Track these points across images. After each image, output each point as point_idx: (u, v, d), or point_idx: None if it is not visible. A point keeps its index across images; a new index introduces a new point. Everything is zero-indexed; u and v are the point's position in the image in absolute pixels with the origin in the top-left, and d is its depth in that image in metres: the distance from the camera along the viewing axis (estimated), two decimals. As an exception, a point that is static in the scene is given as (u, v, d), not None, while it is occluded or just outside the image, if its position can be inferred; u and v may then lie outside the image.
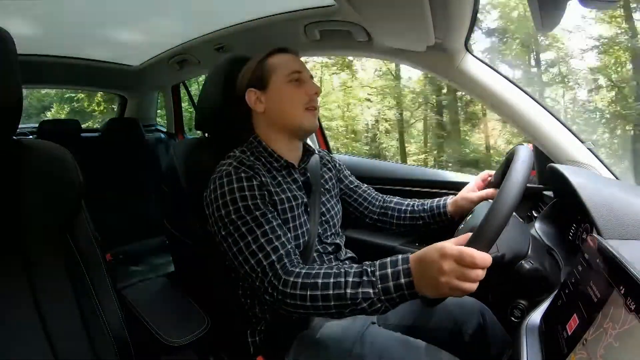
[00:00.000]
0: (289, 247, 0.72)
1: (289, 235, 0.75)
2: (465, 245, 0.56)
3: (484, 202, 0.82)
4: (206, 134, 1.03)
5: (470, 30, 0.92)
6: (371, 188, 1.06)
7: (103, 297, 0.68)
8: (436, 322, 0.84)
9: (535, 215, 0.94)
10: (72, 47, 1.70)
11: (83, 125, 2.11)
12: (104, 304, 0.67)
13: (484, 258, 0.53)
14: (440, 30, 0.88)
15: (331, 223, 0.91)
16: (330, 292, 0.62)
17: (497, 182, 0.87)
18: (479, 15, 0.87)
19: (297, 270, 0.67)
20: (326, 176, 0.97)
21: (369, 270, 0.62)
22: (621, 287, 0.40)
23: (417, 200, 1.01)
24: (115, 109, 2.41)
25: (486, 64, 1.00)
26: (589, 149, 0.94)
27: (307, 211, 0.86)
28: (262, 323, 0.82)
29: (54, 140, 0.68)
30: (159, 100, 2.42)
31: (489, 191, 0.89)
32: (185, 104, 2.61)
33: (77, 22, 1.37)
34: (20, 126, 0.64)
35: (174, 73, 1.83)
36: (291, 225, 0.81)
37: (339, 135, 8.75)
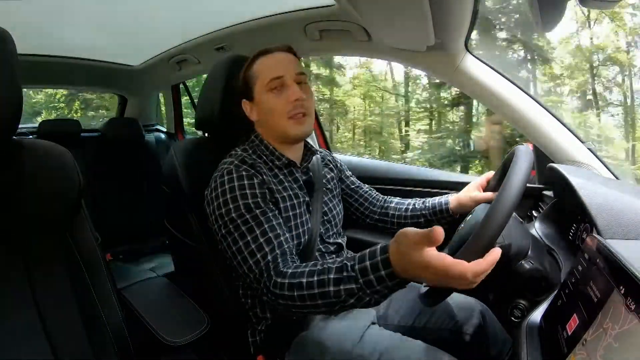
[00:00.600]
0: (286, 246, 0.72)
1: (287, 235, 0.75)
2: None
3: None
4: (206, 134, 1.03)
5: (470, 30, 0.92)
6: (372, 189, 1.06)
7: (103, 297, 0.68)
8: (436, 322, 0.84)
9: (535, 215, 0.94)
10: (72, 47, 1.70)
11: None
12: (104, 304, 0.67)
13: (476, 270, 0.49)
14: (440, 30, 0.88)
15: (333, 223, 0.91)
16: (315, 290, 0.61)
17: (495, 184, 0.87)
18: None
19: (285, 270, 0.67)
20: (328, 176, 0.97)
21: (349, 265, 0.59)
22: (621, 287, 0.40)
23: (418, 199, 1.01)
24: (92, 115, 2.42)
25: (486, 64, 1.00)
26: (589, 149, 0.94)
27: (309, 210, 0.86)
28: (263, 323, 0.82)
29: (54, 140, 0.68)
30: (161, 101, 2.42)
31: (490, 194, 0.88)
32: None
33: (77, 22, 1.37)
34: (20, 126, 0.64)
35: (174, 73, 1.83)
36: (292, 223, 0.81)
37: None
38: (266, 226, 0.72)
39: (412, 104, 8.96)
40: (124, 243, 1.84)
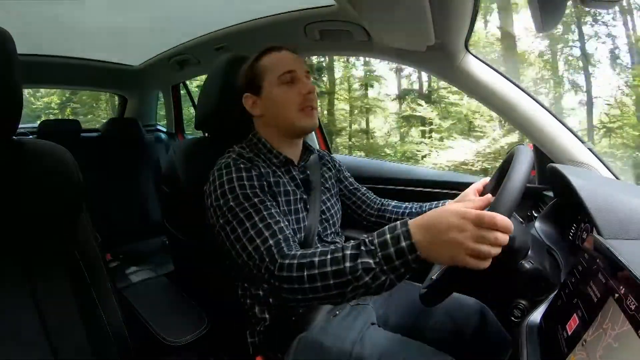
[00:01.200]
0: (287, 232, 0.71)
1: (287, 223, 0.74)
2: None
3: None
4: (206, 134, 1.04)
5: (471, 30, 0.92)
6: (370, 191, 1.06)
7: (103, 297, 0.68)
8: (436, 323, 0.84)
9: (535, 215, 0.94)
10: (72, 47, 1.70)
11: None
12: (104, 304, 0.67)
13: (505, 220, 0.50)
14: (440, 30, 0.88)
15: (331, 222, 0.91)
16: (328, 269, 0.58)
17: (494, 186, 0.86)
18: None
19: (293, 252, 0.65)
20: (326, 175, 0.97)
21: (367, 240, 0.58)
22: (621, 287, 0.40)
23: (415, 203, 1.01)
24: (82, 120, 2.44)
25: (486, 63, 1.00)
26: (589, 149, 0.94)
27: (306, 208, 0.86)
28: (262, 323, 0.82)
29: (54, 140, 0.68)
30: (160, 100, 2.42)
31: (489, 197, 0.87)
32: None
33: (77, 22, 1.37)
34: (20, 126, 0.64)
35: (174, 73, 1.83)
36: (289, 218, 0.81)
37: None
38: (265, 213, 0.71)
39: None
40: (124, 243, 1.84)
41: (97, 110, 8.45)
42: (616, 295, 0.40)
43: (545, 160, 0.95)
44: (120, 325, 0.69)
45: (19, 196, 0.61)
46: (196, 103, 1.06)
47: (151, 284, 1.31)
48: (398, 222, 0.57)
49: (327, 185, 0.95)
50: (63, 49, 1.70)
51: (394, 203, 1.03)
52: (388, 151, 7.71)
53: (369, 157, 6.37)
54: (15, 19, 1.26)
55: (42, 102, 8.04)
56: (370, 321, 0.82)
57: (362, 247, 0.58)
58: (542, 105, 0.98)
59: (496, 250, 0.51)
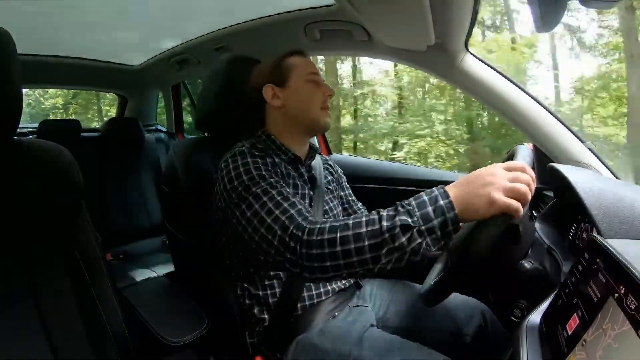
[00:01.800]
0: (304, 206, 0.69)
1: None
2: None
3: None
4: (206, 134, 1.04)
5: (471, 30, 0.92)
6: (365, 207, 1.06)
7: (103, 296, 0.68)
8: (437, 324, 0.84)
9: (535, 215, 0.94)
10: (72, 47, 1.70)
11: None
12: (104, 304, 0.67)
13: (531, 171, 0.56)
14: (440, 30, 0.88)
15: None
16: (363, 229, 0.56)
17: None
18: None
19: (322, 219, 0.63)
20: (329, 178, 0.98)
21: (403, 202, 0.57)
22: (621, 287, 0.40)
23: None
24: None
25: (486, 63, 1.00)
26: (589, 148, 0.94)
27: (311, 205, 0.86)
28: (260, 324, 0.82)
29: (54, 140, 0.68)
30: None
31: None
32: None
33: (77, 22, 1.37)
34: (20, 126, 0.64)
35: (174, 73, 1.83)
36: None
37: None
38: (282, 189, 0.71)
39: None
40: (124, 243, 1.84)
41: (90, 111, 8.79)
42: (616, 295, 0.40)
43: (545, 160, 0.95)
44: (120, 325, 0.69)
45: (19, 196, 0.61)
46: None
47: (151, 284, 1.31)
48: (435, 187, 0.58)
49: (330, 187, 0.96)
50: (63, 49, 1.70)
51: None
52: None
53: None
54: (15, 19, 1.26)
55: (49, 103, 8.58)
56: (369, 323, 0.82)
57: (400, 208, 0.57)
58: (542, 105, 0.98)
59: (530, 194, 0.54)
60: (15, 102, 0.60)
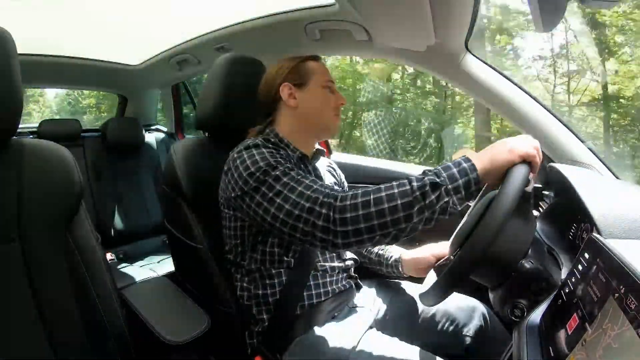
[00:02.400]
0: (324, 183, 0.70)
1: None
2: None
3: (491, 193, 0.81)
4: (206, 134, 1.04)
5: (471, 30, 0.92)
6: None
7: (103, 296, 0.68)
8: (436, 324, 0.84)
9: (536, 215, 0.94)
10: (72, 47, 1.70)
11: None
12: (105, 304, 0.67)
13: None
14: (441, 30, 0.88)
15: None
16: (395, 190, 0.60)
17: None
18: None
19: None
20: (332, 180, 0.99)
21: (428, 169, 0.63)
22: (621, 287, 0.40)
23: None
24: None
25: (486, 63, 1.00)
26: (589, 148, 0.94)
27: None
28: (259, 325, 0.82)
29: (54, 140, 0.68)
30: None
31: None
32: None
33: (77, 22, 1.37)
34: (20, 126, 0.64)
35: (174, 73, 1.83)
36: None
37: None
38: (299, 171, 0.71)
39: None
40: (124, 243, 1.84)
41: (114, 109, 9.34)
42: (616, 295, 0.40)
43: (545, 160, 0.95)
44: (120, 324, 0.69)
45: (19, 195, 0.61)
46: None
47: (151, 284, 1.31)
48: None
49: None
50: (63, 49, 1.70)
51: None
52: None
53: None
54: (15, 19, 1.26)
55: (86, 102, 9.35)
56: (368, 324, 0.82)
57: (427, 172, 0.62)
58: (542, 105, 0.98)
59: (538, 161, 0.62)
60: (15, 102, 0.60)
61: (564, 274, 0.65)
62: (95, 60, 1.85)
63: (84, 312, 0.64)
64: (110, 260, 1.73)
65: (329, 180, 0.97)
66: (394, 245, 0.98)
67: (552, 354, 0.48)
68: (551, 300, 0.57)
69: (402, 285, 0.97)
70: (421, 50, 1.00)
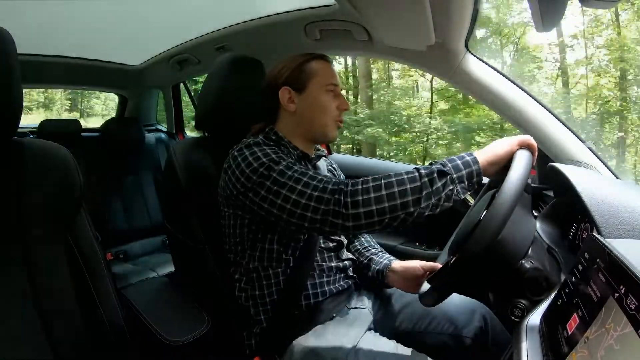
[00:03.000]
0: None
1: None
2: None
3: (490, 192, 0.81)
4: (206, 134, 1.04)
5: (471, 30, 0.92)
6: None
7: (103, 296, 0.68)
8: (436, 327, 0.84)
9: (536, 215, 0.94)
10: (72, 47, 1.70)
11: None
12: (105, 304, 0.67)
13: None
14: (441, 30, 0.88)
15: None
16: (404, 176, 0.63)
17: (496, 181, 0.87)
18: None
19: None
20: (333, 180, 0.98)
21: (436, 160, 0.66)
22: (621, 287, 0.40)
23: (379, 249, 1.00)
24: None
25: (487, 63, 1.00)
26: (589, 148, 0.94)
27: None
28: (257, 326, 0.82)
29: (54, 140, 0.68)
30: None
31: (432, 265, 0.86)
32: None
33: (77, 21, 1.37)
34: (20, 126, 0.64)
35: (174, 73, 1.83)
36: None
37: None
38: (302, 166, 0.73)
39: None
40: (124, 243, 1.84)
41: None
42: (616, 295, 0.40)
43: (545, 160, 0.95)
44: (120, 324, 0.69)
45: (20, 196, 0.61)
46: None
47: (151, 284, 1.31)
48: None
49: None
50: (63, 49, 1.70)
51: (365, 238, 1.03)
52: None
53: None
54: (15, 19, 1.26)
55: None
56: (366, 326, 0.81)
57: (433, 162, 0.66)
58: (542, 105, 0.98)
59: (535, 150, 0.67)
60: (15, 102, 0.60)
61: (564, 273, 0.65)
62: (95, 60, 1.85)
63: (84, 312, 0.64)
64: (110, 260, 1.73)
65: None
66: (387, 254, 0.97)
67: (552, 354, 0.48)
68: (551, 300, 0.57)
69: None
70: (421, 50, 1.00)
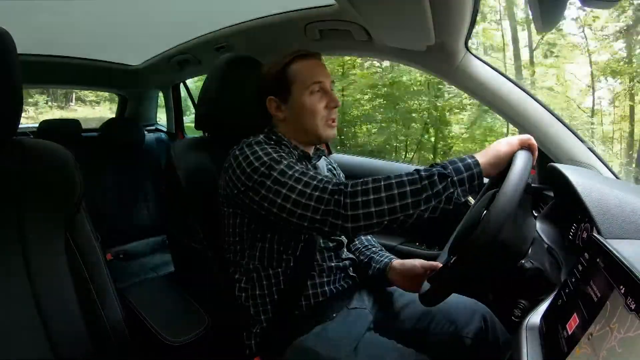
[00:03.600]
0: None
1: None
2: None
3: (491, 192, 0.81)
4: (206, 134, 1.04)
5: (471, 30, 0.92)
6: None
7: (103, 296, 0.68)
8: (437, 326, 0.84)
9: (536, 215, 0.94)
10: (72, 47, 1.70)
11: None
12: (105, 304, 0.67)
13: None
14: (441, 30, 0.88)
15: None
16: (405, 178, 0.63)
17: (496, 181, 0.87)
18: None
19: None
20: (333, 180, 0.98)
21: (437, 162, 0.66)
22: (621, 287, 0.40)
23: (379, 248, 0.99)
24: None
25: (487, 63, 1.00)
26: (589, 148, 0.94)
27: None
28: (258, 326, 0.82)
29: (54, 140, 0.68)
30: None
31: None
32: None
33: (77, 22, 1.37)
34: (20, 126, 0.64)
35: (174, 73, 1.83)
36: None
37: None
38: (303, 166, 0.72)
39: None
40: (124, 243, 1.84)
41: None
42: (617, 294, 0.40)
43: (545, 160, 0.95)
44: (120, 324, 0.69)
45: (20, 196, 0.61)
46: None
47: (151, 284, 1.31)
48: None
49: None
50: (63, 49, 1.70)
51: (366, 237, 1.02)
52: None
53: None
54: (15, 19, 1.26)
55: None
56: (366, 326, 0.81)
57: (434, 164, 0.65)
58: (543, 105, 0.98)
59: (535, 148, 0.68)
60: (15, 102, 0.60)
61: (564, 273, 0.65)
62: (95, 60, 1.85)
63: (84, 312, 0.64)
64: (110, 260, 1.73)
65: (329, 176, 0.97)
66: (387, 253, 0.97)
67: (552, 354, 0.48)
68: (551, 300, 0.57)
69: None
70: (421, 50, 1.00)
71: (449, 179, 0.62)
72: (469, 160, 0.64)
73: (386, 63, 5.23)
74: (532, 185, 1.01)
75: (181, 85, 2.25)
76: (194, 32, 1.47)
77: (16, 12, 1.20)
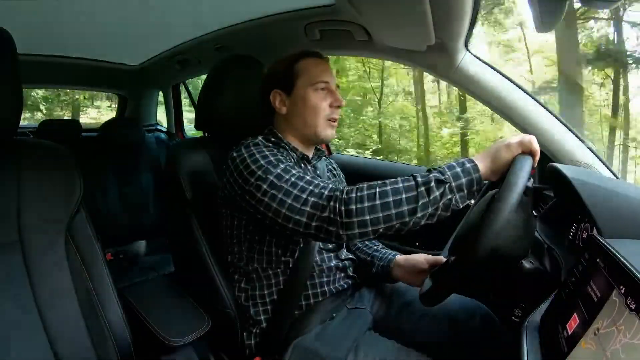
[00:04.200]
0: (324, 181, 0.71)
1: None
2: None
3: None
4: (206, 134, 1.04)
5: (471, 30, 0.92)
6: None
7: (104, 296, 0.68)
8: (436, 326, 0.84)
9: (536, 215, 0.94)
10: (72, 47, 1.70)
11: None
12: (105, 304, 0.67)
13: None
14: (441, 30, 0.87)
15: None
16: (400, 185, 0.61)
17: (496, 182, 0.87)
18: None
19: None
20: (332, 180, 0.98)
21: (435, 167, 0.64)
22: (621, 287, 0.40)
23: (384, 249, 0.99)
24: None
25: (487, 63, 1.00)
26: (589, 148, 0.94)
27: None
28: (258, 326, 0.82)
29: (54, 140, 0.68)
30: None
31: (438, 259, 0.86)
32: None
33: (77, 22, 1.37)
34: (20, 126, 0.64)
35: (174, 73, 1.83)
36: None
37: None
38: (300, 170, 0.72)
39: None
40: (124, 243, 1.84)
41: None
42: (616, 294, 0.40)
43: (545, 160, 0.95)
44: (120, 324, 0.69)
45: (20, 195, 0.61)
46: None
47: (151, 284, 1.31)
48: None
49: None
50: (63, 49, 1.70)
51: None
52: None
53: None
54: (15, 19, 1.26)
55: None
56: (366, 326, 0.81)
57: (431, 169, 0.63)
58: (542, 105, 0.98)
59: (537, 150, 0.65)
60: (15, 102, 0.60)
61: (564, 273, 0.65)
62: (95, 60, 1.85)
63: (84, 312, 0.64)
64: (110, 260, 1.73)
65: (329, 180, 0.97)
66: (389, 250, 0.97)
67: (552, 354, 0.48)
68: (551, 300, 0.57)
69: (401, 286, 0.96)
70: (421, 50, 1.00)
71: (446, 185, 0.60)
72: (468, 165, 0.62)
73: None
74: (532, 185, 1.01)
75: (181, 85, 2.26)
76: (194, 32, 1.47)
77: (16, 12, 1.20)
